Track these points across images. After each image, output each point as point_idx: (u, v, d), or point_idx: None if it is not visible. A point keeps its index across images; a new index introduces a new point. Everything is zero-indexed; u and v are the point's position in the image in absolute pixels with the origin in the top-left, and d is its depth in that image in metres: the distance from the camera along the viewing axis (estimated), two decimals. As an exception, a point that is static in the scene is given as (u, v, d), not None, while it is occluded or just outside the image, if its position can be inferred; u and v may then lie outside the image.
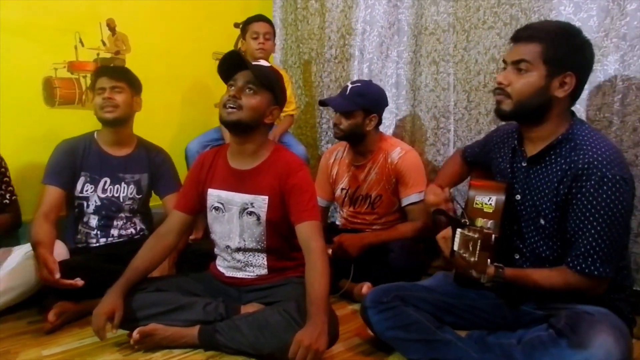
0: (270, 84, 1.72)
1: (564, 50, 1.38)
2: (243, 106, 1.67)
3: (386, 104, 2.34)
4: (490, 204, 1.51)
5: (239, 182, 1.77)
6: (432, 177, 2.36)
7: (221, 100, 1.72)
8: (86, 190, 2.18)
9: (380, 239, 2.19)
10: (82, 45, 2.61)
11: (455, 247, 1.27)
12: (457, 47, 2.33)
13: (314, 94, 3.10)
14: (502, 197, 1.50)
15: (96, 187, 2.18)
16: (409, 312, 1.56)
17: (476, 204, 1.53)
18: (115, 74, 2.20)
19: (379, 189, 2.28)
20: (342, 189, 2.38)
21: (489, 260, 1.23)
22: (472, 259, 1.21)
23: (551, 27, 1.44)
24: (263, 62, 1.82)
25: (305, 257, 1.65)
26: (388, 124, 2.61)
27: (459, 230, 1.27)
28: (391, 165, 2.24)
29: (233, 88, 1.70)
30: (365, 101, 2.21)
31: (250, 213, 1.76)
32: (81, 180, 2.17)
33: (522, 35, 1.43)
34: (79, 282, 1.84)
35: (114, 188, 2.21)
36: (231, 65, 1.71)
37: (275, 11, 3.25)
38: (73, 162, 2.17)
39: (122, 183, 2.22)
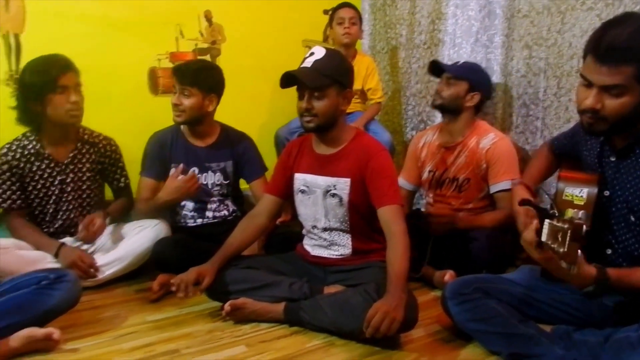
0: (330, 78, 1.75)
1: None
2: (317, 113, 1.76)
3: (490, 93, 2.34)
4: (582, 196, 1.45)
5: (322, 166, 1.86)
6: (520, 165, 2.29)
7: (297, 108, 1.81)
8: (178, 180, 2.31)
9: (470, 224, 2.17)
10: (182, 36, 2.81)
11: (544, 238, 1.23)
12: (551, 30, 2.23)
13: (401, 80, 3.09)
14: (595, 190, 1.44)
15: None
16: (490, 305, 1.55)
17: (566, 195, 1.48)
18: (185, 78, 2.21)
19: (467, 173, 2.26)
20: (430, 171, 2.37)
21: (579, 252, 1.19)
22: (562, 250, 1.16)
23: (637, 42, 1.27)
24: (317, 50, 1.79)
25: (386, 240, 1.71)
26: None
27: (547, 221, 1.23)
28: (482, 150, 2.21)
29: (302, 99, 1.77)
30: (474, 75, 2.24)
31: (333, 195, 1.84)
32: (172, 171, 2.30)
33: (610, 58, 1.27)
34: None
35: (202, 176, 2.33)
36: (288, 82, 1.78)
37: (364, -3, 3.27)
38: (163, 154, 2.33)
39: (209, 171, 2.34)
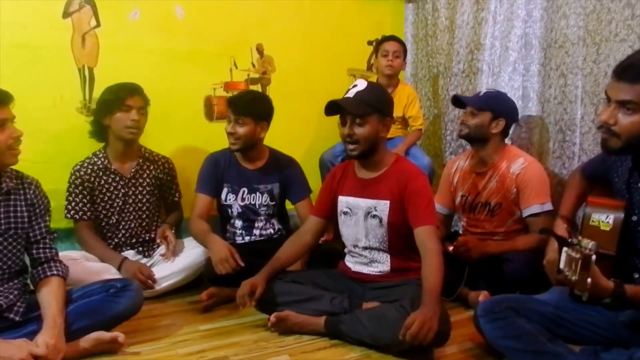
0: (372, 106, 1.89)
1: None
2: (359, 140, 1.90)
3: (516, 118, 2.39)
4: (608, 222, 1.51)
5: (364, 189, 1.99)
6: (557, 189, 2.36)
7: (340, 135, 1.96)
8: (229, 199, 2.51)
9: (502, 249, 2.24)
10: (236, 67, 3.01)
11: (561, 266, 1.31)
12: (587, 60, 2.30)
13: (441, 107, 3.21)
14: (621, 216, 1.50)
15: (237, 196, 2.50)
16: (520, 323, 1.61)
17: (592, 221, 1.55)
18: (238, 109, 2.38)
19: (498, 197, 2.32)
20: (462, 196, 2.45)
21: (589, 280, 1.25)
22: (574, 278, 1.25)
23: None
24: (360, 83, 1.94)
25: (422, 258, 1.82)
26: (514, 136, 2.63)
27: (564, 249, 1.31)
28: (512, 175, 2.27)
29: (344, 127, 1.92)
30: (496, 104, 2.30)
31: (374, 216, 1.96)
32: (225, 190, 2.51)
33: (627, 75, 1.38)
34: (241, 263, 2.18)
35: (250, 197, 2.51)
36: (332, 110, 1.93)
37: (407, 27, 3.43)
38: (217, 174, 2.51)
39: (257, 192, 2.51)
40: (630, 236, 1.52)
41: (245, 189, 2.51)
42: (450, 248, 2.25)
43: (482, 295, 2.10)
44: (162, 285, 2.34)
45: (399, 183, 1.92)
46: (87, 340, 1.76)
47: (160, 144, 2.65)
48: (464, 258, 2.22)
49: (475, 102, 2.33)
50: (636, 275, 1.53)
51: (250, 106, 2.41)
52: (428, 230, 1.84)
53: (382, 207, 1.95)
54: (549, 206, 2.21)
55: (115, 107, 2.34)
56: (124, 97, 2.34)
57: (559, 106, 2.46)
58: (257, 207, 2.52)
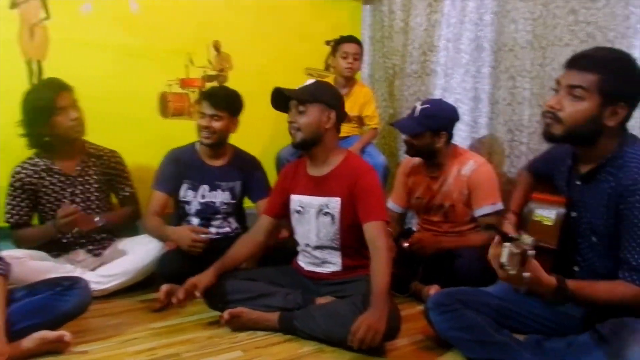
0: (315, 96, 1.92)
1: (620, 82, 1.40)
2: (300, 127, 1.91)
3: (457, 119, 2.39)
4: (550, 217, 1.57)
5: (315, 186, 2.00)
6: (506, 187, 2.42)
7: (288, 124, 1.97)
8: (188, 196, 2.47)
9: (455, 244, 2.29)
10: (192, 64, 2.99)
11: (502, 260, 1.33)
12: (534, 64, 2.39)
13: (397, 107, 3.26)
14: (562, 211, 1.55)
15: (196, 193, 2.47)
16: (469, 315, 1.66)
17: (535, 216, 1.60)
18: (216, 102, 2.37)
19: (452, 200, 2.37)
20: (418, 198, 2.49)
21: (526, 274, 1.30)
22: (512, 272, 1.29)
23: (609, 58, 1.45)
24: (308, 82, 2.02)
25: (370, 254, 1.84)
26: (465, 135, 2.70)
27: (506, 244, 1.33)
28: (464, 177, 2.32)
29: (289, 114, 1.94)
30: (433, 122, 2.27)
31: (326, 214, 1.98)
32: (184, 186, 2.47)
33: (580, 63, 1.44)
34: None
35: (211, 194, 2.48)
36: (281, 99, 1.96)
37: (364, 29, 3.47)
38: (177, 170, 2.47)
39: (219, 190, 2.49)
40: (571, 232, 1.58)
41: (207, 186, 2.48)
42: (406, 244, 2.29)
43: (433, 289, 2.15)
44: (112, 283, 2.28)
45: (349, 180, 1.93)
46: (31, 340, 1.70)
47: (113, 140, 2.57)
48: (419, 254, 2.27)
49: (410, 130, 2.31)
50: (576, 269, 1.60)
51: (228, 101, 2.41)
52: (378, 225, 1.86)
53: (334, 204, 1.96)
54: (499, 206, 2.28)
55: (49, 114, 2.20)
56: (53, 100, 2.19)
57: (507, 107, 2.55)
58: (218, 205, 2.49)
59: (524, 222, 1.70)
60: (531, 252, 1.26)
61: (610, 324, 1.38)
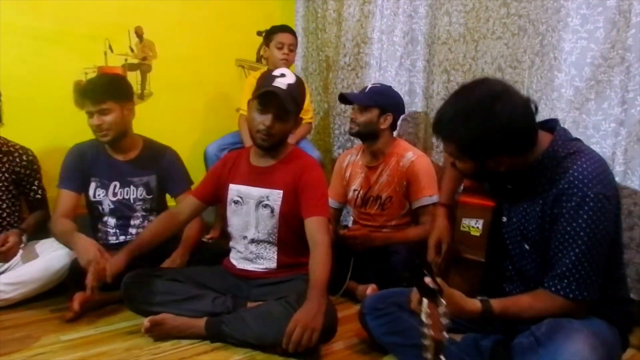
0: (297, 106, 1.84)
1: (478, 145, 1.33)
2: (275, 134, 1.82)
3: (403, 110, 2.42)
4: (477, 227, 1.52)
5: (257, 177, 1.90)
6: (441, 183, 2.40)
7: (253, 124, 1.82)
8: (98, 195, 2.26)
9: (390, 241, 2.25)
10: (112, 51, 2.77)
11: (423, 318, 1.16)
12: (466, 57, 2.38)
13: (330, 101, 3.18)
14: (489, 220, 1.49)
15: (107, 191, 2.26)
16: (404, 318, 1.59)
17: (463, 226, 1.55)
18: (97, 97, 2.12)
19: (389, 191, 2.34)
20: (354, 190, 2.45)
21: (444, 334, 1.13)
22: (431, 334, 1.13)
23: (458, 123, 1.33)
24: (287, 73, 1.85)
25: (310, 250, 1.75)
26: (402, 131, 2.66)
27: (424, 301, 1.18)
28: (403, 168, 2.30)
29: (266, 117, 1.79)
30: (382, 99, 2.29)
31: (265, 206, 1.87)
32: (92, 185, 2.25)
33: (437, 134, 1.43)
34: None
35: (124, 191, 2.28)
36: (265, 93, 1.79)
37: (298, 20, 3.36)
38: (83, 167, 2.24)
39: (131, 186, 2.28)
40: (500, 238, 1.50)
41: (117, 183, 2.27)
42: (342, 232, 2.29)
43: (370, 289, 2.09)
44: (17, 292, 2.05)
45: (294, 173, 1.86)
46: None
47: (21, 134, 2.32)
48: (351, 247, 2.22)
49: (361, 99, 2.32)
50: (507, 289, 1.52)
51: (109, 89, 2.17)
52: (320, 221, 1.79)
53: (275, 196, 1.87)
54: (437, 198, 2.25)
55: None
56: None
57: (442, 102, 2.50)
58: (132, 202, 2.30)
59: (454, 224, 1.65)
60: (446, 322, 1.13)
61: (546, 325, 1.31)
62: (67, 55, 2.64)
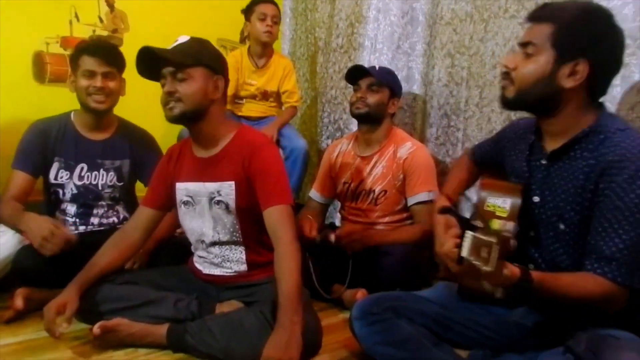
0: (199, 59, 1.54)
1: (578, 33, 1.20)
2: (181, 97, 1.51)
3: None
4: (504, 207, 1.31)
5: (203, 171, 1.63)
6: (441, 179, 2.17)
7: (160, 99, 1.55)
8: (61, 177, 2.02)
9: (386, 239, 2.02)
10: (78, 20, 2.50)
11: (465, 254, 1.05)
12: (473, 39, 2.16)
13: (319, 87, 2.94)
14: (519, 201, 1.31)
15: (72, 173, 2.02)
16: (401, 326, 1.38)
17: (487, 206, 1.34)
18: (109, 57, 1.97)
19: (384, 184, 2.12)
20: (345, 183, 2.22)
21: (505, 271, 1.04)
22: (486, 268, 1.01)
23: (571, 7, 1.24)
24: (181, 38, 1.61)
25: (273, 248, 1.50)
26: (396, 120, 2.43)
27: (469, 233, 1.06)
28: (400, 160, 2.09)
29: (165, 82, 1.53)
30: (392, 80, 2.13)
31: (219, 202, 1.61)
32: (55, 166, 2.01)
33: (535, 15, 1.26)
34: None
35: (91, 175, 2.04)
36: (150, 63, 1.54)
37: (286, 0, 3.11)
38: (45, 146, 2.00)
39: (101, 170, 2.05)
40: (530, 221, 1.34)
41: (85, 165, 2.03)
42: (332, 237, 1.99)
43: (360, 294, 1.85)
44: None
45: (242, 158, 1.58)
46: None
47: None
48: (347, 249, 1.98)
49: (380, 76, 2.10)
50: (531, 267, 1.34)
51: (117, 55, 2.03)
52: (280, 210, 1.52)
53: (227, 189, 1.60)
54: (435, 194, 2.04)
55: None
56: None
57: (444, 89, 2.31)
58: (100, 187, 2.05)
59: (460, 210, 1.43)
60: (513, 243, 0.97)
61: (586, 340, 1.13)
62: (26, 22, 2.37)
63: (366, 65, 2.50)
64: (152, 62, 1.53)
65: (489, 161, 1.59)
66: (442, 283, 1.55)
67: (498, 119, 2.08)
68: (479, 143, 1.73)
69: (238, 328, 1.43)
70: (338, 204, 2.36)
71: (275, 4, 2.68)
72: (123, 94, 2.08)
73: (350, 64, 2.65)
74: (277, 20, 2.64)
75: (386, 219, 2.13)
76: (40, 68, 2.42)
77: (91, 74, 1.94)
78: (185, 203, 1.66)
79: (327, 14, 2.84)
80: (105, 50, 2.01)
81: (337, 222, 2.39)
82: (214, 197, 1.60)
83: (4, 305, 1.75)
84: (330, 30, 2.80)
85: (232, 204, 1.59)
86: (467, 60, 2.20)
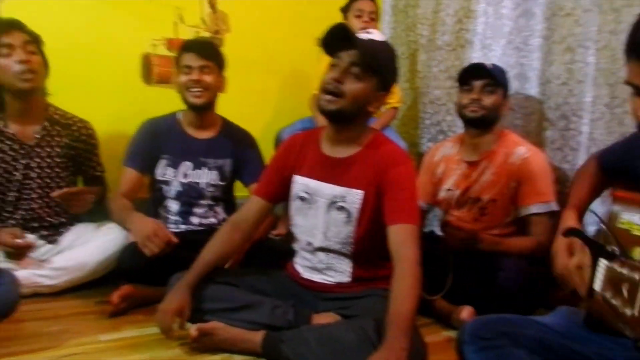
0: (379, 67, 1.46)
1: None
2: (345, 93, 1.44)
3: None
4: None
5: (331, 171, 1.55)
6: (559, 189, 1.97)
7: (321, 82, 1.48)
8: (167, 174, 2.07)
9: (497, 246, 1.85)
10: (182, 22, 2.55)
11: (597, 287, 0.90)
12: (602, 31, 1.91)
13: (420, 87, 2.79)
14: None
15: (177, 171, 2.07)
16: (519, 356, 1.21)
17: (621, 223, 1.15)
18: (204, 51, 2.01)
19: (493, 193, 1.94)
20: (448, 190, 2.06)
21: None
22: (628, 312, 0.83)
23: None
24: (375, 33, 1.53)
25: (393, 266, 1.39)
26: (506, 122, 2.23)
27: (604, 262, 0.90)
28: (513, 166, 1.90)
29: (336, 69, 1.45)
30: (505, 79, 1.98)
31: (340, 208, 1.53)
32: (162, 163, 2.07)
33: None
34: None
35: (195, 173, 2.08)
36: (337, 38, 1.46)
37: (387, -3, 3.00)
38: (153, 144, 2.07)
39: (205, 168, 2.08)
40: None
41: (190, 163, 2.07)
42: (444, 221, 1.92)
43: (466, 312, 1.70)
44: (63, 279, 1.88)
45: (378, 167, 1.49)
46: None
47: (82, 107, 2.15)
48: (451, 241, 1.86)
49: (499, 76, 1.95)
50: None
51: (215, 50, 2.10)
52: (407, 230, 1.42)
53: (353, 197, 1.51)
54: (553, 206, 1.85)
55: None
56: None
57: (562, 87, 2.07)
58: (202, 186, 2.08)
59: (603, 231, 1.24)
60: None
61: None
62: (134, 24, 2.45)
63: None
64: (338, 39, 1.45)
65: (619, 169, 1.39)
66: (564, 308, 1.36)
67: (631, 122, 1.82)
68: (607, 148, 1.52)
69: (336, 342, 1.35)
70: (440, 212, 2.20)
71: (373, 0, 2.59)
72: (222, 90, 2.09)
73: (457, 63, 2.49)
74: (374, 16, 2.56)
75: (493, 232, 1.93)
76: (148, 69, 2.50)
77: (188, 69, 1.99)
78: (302, 199, 1.60)
79: (430, 10, 2.67)
80: (200, 45, 2.07)
81: (437, 231, 2.24)
82: (336, 201, 1.53)
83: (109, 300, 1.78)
84: (435, 27, 2.64)
85: (355, 213, 1.51)
86: (594, 55, 1.95)
